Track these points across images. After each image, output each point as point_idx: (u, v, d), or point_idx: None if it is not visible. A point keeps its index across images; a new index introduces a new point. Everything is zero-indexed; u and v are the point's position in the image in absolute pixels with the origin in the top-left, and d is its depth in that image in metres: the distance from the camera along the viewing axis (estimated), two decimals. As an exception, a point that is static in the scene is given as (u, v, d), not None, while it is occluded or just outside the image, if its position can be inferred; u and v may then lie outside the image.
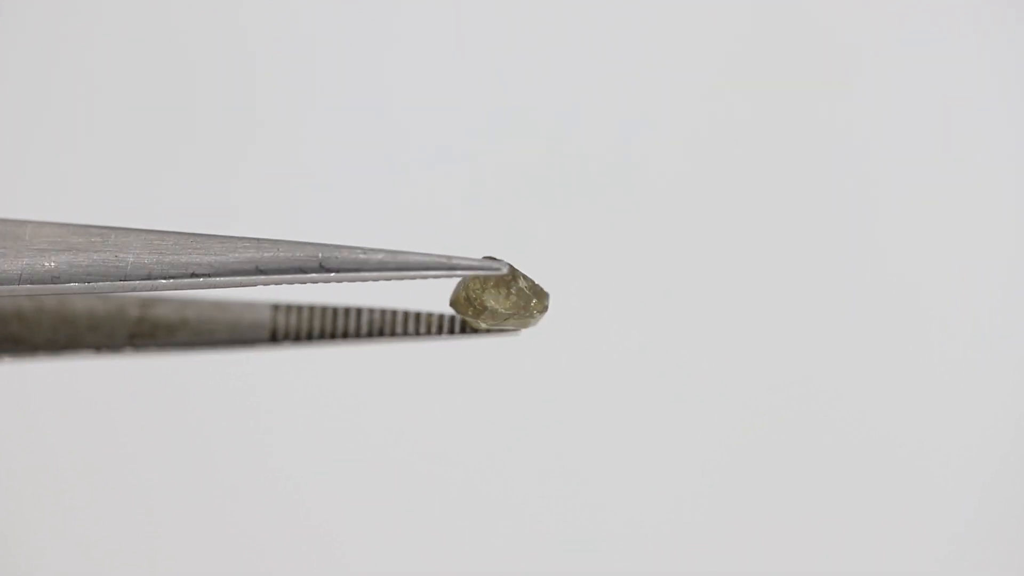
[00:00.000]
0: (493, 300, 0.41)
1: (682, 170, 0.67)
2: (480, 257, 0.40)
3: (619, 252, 0.68)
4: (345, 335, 0.47)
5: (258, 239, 0.40)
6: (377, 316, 0.47)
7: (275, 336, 0.48)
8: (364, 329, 0.47)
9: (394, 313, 0.47)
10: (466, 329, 0.45)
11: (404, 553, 0.68)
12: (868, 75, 0.68)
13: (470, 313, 0.42)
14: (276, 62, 0.67)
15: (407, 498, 0.68)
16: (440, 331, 0.46)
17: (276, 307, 0.48)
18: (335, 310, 0.48)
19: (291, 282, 0.40)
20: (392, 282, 0.41)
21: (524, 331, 0.44)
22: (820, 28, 0.68)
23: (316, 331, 0.47)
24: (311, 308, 0.48)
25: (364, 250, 0.40)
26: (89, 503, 0.67)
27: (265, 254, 0.40)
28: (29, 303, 0.51)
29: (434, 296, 0.47)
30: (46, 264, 0.41)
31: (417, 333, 0.46)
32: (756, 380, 0.69)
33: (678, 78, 0.68)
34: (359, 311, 0.47)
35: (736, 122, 0.68)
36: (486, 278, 0.41)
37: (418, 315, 0.46)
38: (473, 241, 0.66)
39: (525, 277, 0.42)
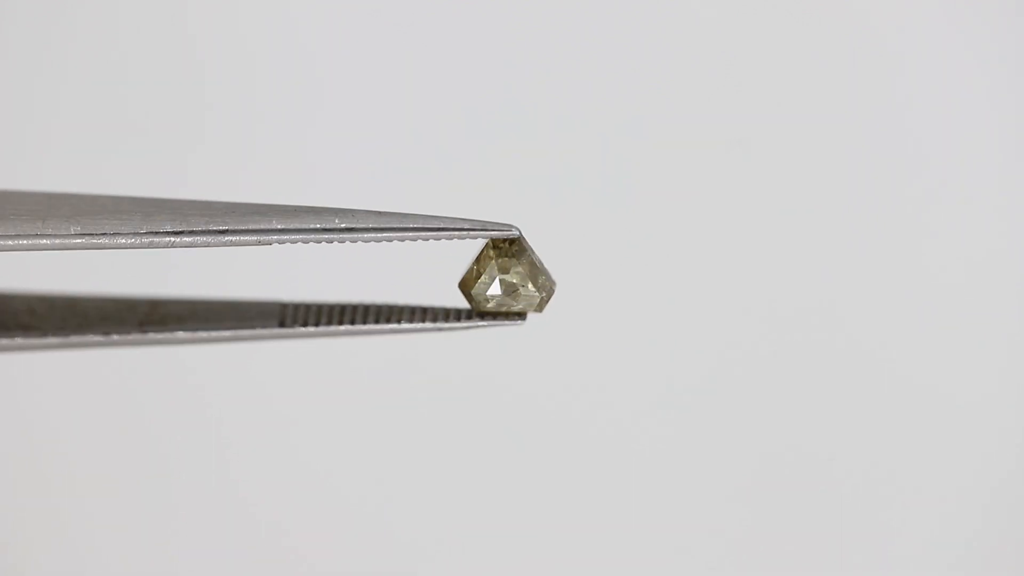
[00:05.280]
0: (501, 270, 0.42)
1: (683, 172, 0.68)
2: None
3: (621, 251, 0.69)
4: (352, 323, 0.48)
5: (280, 205, 0.41)
6: (384, 307, 0.48)
7: (283, 324, 0.49)
8: (371, 319, 0.48)
9: (401, 309, 0.48)
10: (472, 316, 0.46)
11: (411, 541, 0.68)
12: (868, 78, 0.70)
13: (480, 285, 0.43)
14: (278, 58, 0.68)
15: (417, 486, 0.69)
16: (447, 319, 0.47)
17: (285, 305, 0.49)
18: (343, 307, 0.49)
19: (307, 240, 0.41)
20: (403, 280, 0.43)
21: (529, 316, 0.45)
22: (822, 29, 0.69)
23: (324, 320, 0.48)
24: (319, 306, 0.49)
25: (379, 214, 0.41)
26: (95, 496, 0.68)
27: (285, 209, 0.41)
28: (39, 300, 0.52)
29: (442, 284, 0.48)
30: (71, 227, 0.42)
31: (423, 322, 0.47)
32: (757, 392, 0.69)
33: (678, 78, 0.69)
34: (367, 307, 0.48)
35: (738, 123, 0.69)
36: (496, 252, 0.42)
37: (424, 309, 0.47)
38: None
39: (534, 252, 0.43)
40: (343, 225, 0.41)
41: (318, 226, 0.41)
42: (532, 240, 0.64)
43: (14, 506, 0.68)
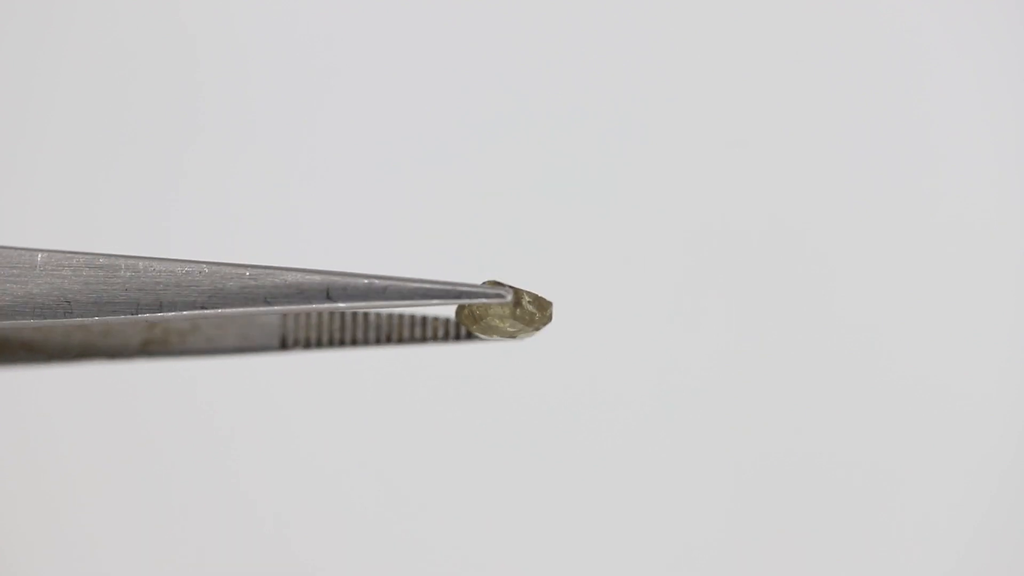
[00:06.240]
0: (498, 319, 0.42)
1: (682, 170, 0.68)
2: (484, 282, 0.41)
3: (616, 255, 0.68)
4: (353, 341, 0.48)
5: (266, 268, 0.41)
6: (384, 321, 0.48)
7: (285, 342, 0.49)
8: (371, 335, 0.48)
9: (400, 317, 0.48)
10: (471, 335, 0.46)
11: (412, 546, 0.69)
12: (867, 79, 0.69)
13: (475, 328, 0.43)
14: (275, 70, 0.68)
15: (414, 501, 0.69)
16: (446, 336, 0.47)
17: (286, 314, 0.49)
18: (343, 316, 0.49)
19: (298, 312, 0.40)
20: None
21: (528, 339, 0.45)
22: (821, 29, 0.68)
23: (325, 337, 0.48)
24: (319, 314, 0.49)
25: (368, 277, 0.40)
26: (99, 508, 0.68)
27: (274, 281, 0.40)
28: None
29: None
30: (58, 294, 0.42)
31: (423, 338, 0.47)
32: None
33: (678, 78, 0.68)
34: (366, 316, 0.48)
35: (738, 123, 0.68)
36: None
37: (424, 319, 0.47)
38: (474, 242, 0.67)
39: (528, 293, 0.42)
40: (333, 296, 0.40)
41: (305, 296, 0.40)
42: (531, 241, 0.63)
43: (12, 512, 0.68)
